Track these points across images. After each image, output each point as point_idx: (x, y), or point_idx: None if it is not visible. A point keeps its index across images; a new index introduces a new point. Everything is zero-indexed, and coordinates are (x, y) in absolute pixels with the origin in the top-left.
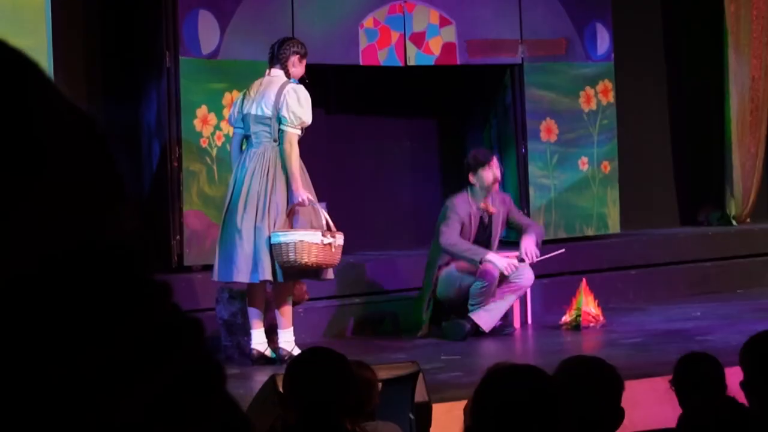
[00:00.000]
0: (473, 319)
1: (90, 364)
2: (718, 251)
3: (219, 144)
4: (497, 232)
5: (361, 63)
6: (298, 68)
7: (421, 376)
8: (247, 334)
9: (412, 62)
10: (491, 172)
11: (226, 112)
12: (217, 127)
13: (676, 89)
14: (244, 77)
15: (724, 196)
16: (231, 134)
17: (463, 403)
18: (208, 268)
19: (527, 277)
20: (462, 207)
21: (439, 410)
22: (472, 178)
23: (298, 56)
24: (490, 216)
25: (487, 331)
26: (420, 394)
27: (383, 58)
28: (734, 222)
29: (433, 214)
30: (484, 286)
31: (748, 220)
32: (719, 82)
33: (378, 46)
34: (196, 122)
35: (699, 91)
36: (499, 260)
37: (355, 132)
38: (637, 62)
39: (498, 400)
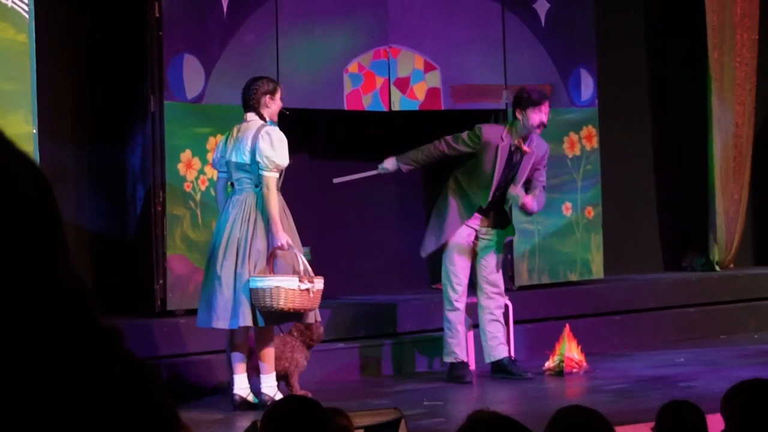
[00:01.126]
0: (497, 357)
1: (45, 416)
2: (701, 297)
3: (203, 188)
4: (524, 172)
5: (345, 108)
6: (272, 107)
7: (403, 422)
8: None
9: (396, 107)
10: (539, 116)
11: (210, 157)
12: (201, 172)
13: (660, 135)
14: (229, 122)
15: (708, 241)
16: (216, 178)
17: None
18: (192, 312)
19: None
20: (489, 134)
21: None
22: (518, 114)
23: (268, 96)
24: (522, 156)
25: (508, 356)
26: None
27: (368, 103)
28: (718, 268)
29: (419, 260)
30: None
31: (732, 265)
32: (703, 128)
33: (362, 91)
34: (180, 166)
35: (683, 137)
36: (390, 164)
37: (340, 177)
38: (622, 108)
39: None
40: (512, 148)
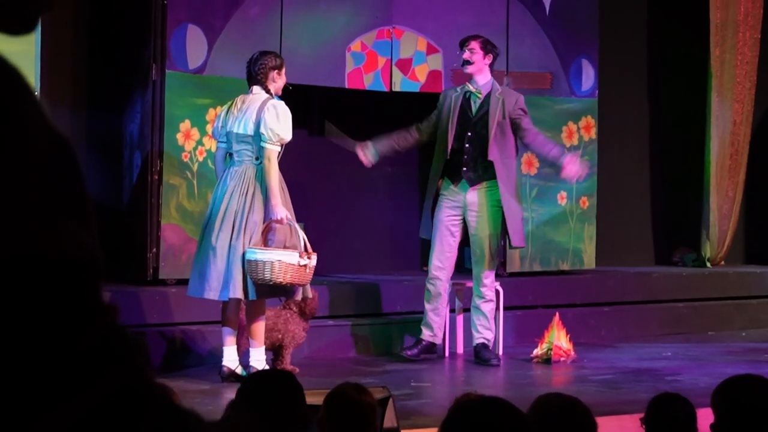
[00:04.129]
0: (483, 342)
1: (21, 380)
2: (691, 293)
3: (200, 159)
4: (494, 116)
5: (346, 86)
6: (279, 82)
7: (391, 401)
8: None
9: (397, 88)
10: (462, 55)
11: (209, 128)
12: (200, 143)
13: (657, 130)
14: (230, 94)
15: (700, 238)
16: (214, 149)
17: (432, 431)
18: (183, 282)
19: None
20: (446, 92)
21: None
22: None
23: (276, 71)
24: (485, 102)
25: (491, 340)
26: (389, 420)
27: (369, 82)
28: (709, 264)
29: (410, 241)
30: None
31: (723, 263)
32: (701, 124)
33: (364, 70)
34: (179, 136)
35: (680, 132)
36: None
37: (337, 154)
38: (621, 100)
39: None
40: (466, 95)
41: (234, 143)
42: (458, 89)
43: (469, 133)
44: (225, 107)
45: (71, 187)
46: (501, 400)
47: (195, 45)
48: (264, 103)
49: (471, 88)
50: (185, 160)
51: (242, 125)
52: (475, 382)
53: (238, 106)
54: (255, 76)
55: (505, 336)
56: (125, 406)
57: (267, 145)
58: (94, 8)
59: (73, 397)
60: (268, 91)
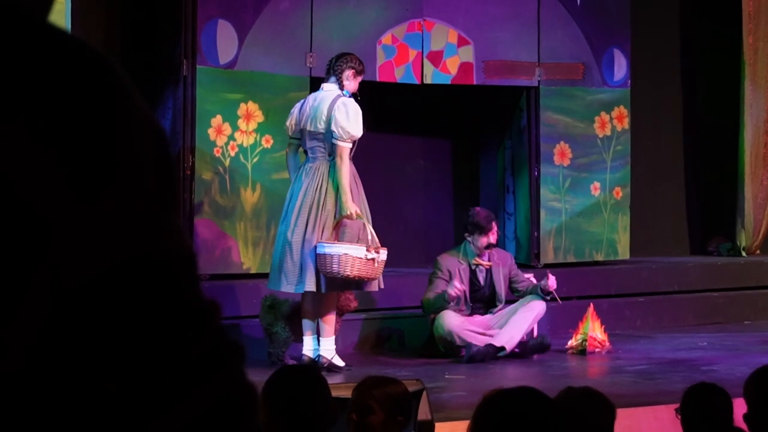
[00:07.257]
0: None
1: (127, 381)
2: (726, 282)
3: (232, 154)
4: (501, 287)
5: (377, 79)
6: (351, 83)
7: (425, 394)
8: (282, 344)
9: (428, 81)
10: (487, 239)
11: (241, 123)
12: (231, 138)
13: (690, 118)
14: (261, 89)
15: (735, 227)
16: (246, 143)
17: (465, 423)
18: (217, 277)
19: (540, 306)
20: (447, 262)
21: (441, 429)
22: (468, 237)
23: (353, 71)
24: (489, 272)
25: (509, 349)
26: (423, 413)
27: (400, 75)
28: (744, 253)
29: (444, 234)
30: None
31: (758, 252)
32: (735, 113)
33: (395, 63)
34: (211, 131)
35: (714, 121)
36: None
37: (369, 148)
38: (654, 90)
39: (500, 421)
40: (472, 268)
41: (307, 140)
42: (461, 261)
43: (480, 304)
44: (298, 105)
45: (172, 179)
46: (531, 389)
47: (226, 40)
48: (335, 100)
49: (482, 262)
50: (217, 155)
51: (314, 123)
52: (510, 374)
53: (310, 104)
54: (333, 69)
55: (540, 327)
56: (227, 413)
57: (338, 143)
58: (125, 5)
59: (178, 402)
60: (341, 86)
